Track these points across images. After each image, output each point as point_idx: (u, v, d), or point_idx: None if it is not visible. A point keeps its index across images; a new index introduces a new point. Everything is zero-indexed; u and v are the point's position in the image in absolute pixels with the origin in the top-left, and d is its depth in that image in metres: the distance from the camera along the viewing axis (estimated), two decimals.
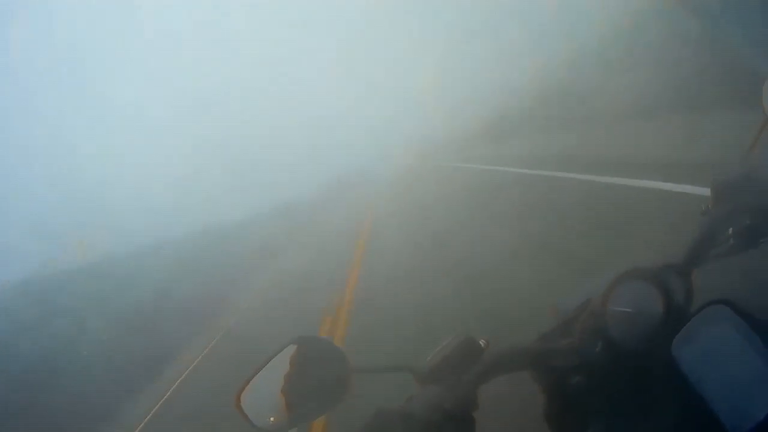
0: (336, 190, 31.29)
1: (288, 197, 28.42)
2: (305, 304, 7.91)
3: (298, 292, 9.29)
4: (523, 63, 17.63)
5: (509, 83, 18.05)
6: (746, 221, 0.83)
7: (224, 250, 16.87)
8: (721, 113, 5.16)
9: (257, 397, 0.80)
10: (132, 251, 17.76)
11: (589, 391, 0.75)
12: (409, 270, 7.02)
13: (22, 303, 11.98)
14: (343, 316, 6.40)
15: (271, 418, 0.80)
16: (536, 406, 0.79)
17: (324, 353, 0.82)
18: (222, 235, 19.57)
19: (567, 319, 0.80)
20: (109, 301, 11.62)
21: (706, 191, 0.91)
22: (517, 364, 0.78)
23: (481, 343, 0.80)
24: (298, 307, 8.03)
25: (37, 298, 12.16)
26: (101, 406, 7.55)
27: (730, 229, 0.83)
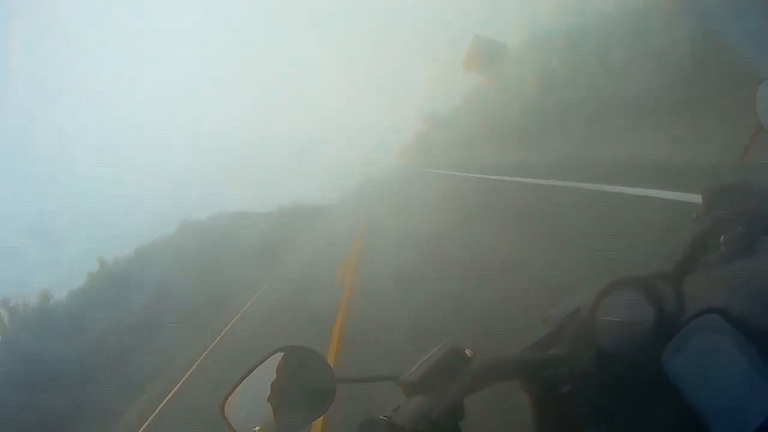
0: None
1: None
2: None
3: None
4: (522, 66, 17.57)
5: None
6: (738, 228, 0.81)
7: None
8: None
9: (243, 405, 0.78)
10: None
11: (579, 401, 0.74)
12: None
13: None
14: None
15: (257, 427, 0.79)
16: (525, 416, 0.78)
17: (309, 363, 0.80)
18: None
19: (557, 328, 0.79)
20: None
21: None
22: (506, 374, 0.77)
23: (468, 352, 0.79)
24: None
25: None
26: None
27: (722, 237, 0.82)
